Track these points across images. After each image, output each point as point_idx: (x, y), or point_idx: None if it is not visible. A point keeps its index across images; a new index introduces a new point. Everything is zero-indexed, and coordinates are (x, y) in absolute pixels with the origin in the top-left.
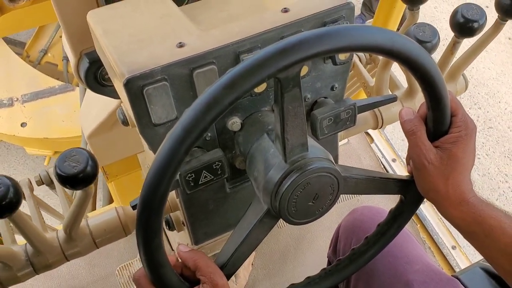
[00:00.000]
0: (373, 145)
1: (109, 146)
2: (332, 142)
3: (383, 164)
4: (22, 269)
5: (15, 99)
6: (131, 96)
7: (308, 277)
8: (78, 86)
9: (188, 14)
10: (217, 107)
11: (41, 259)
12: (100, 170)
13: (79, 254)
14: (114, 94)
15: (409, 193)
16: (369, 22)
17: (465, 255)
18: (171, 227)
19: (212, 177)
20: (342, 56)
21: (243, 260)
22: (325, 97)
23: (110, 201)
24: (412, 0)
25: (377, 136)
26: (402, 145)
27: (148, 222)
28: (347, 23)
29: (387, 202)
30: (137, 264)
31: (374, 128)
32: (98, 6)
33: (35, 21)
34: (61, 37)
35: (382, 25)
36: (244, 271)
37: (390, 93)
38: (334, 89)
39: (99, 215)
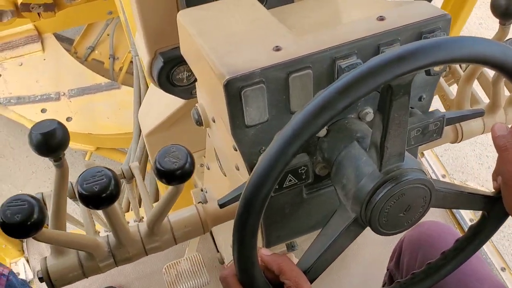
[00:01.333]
0: (423, 159)
1: (165, 144)
2: (412, 153)
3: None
4: (104, 260)
5: (62, 93)
6: (229, 97)
7: None
8: (123, 85)
9: (277, 18)
10: (329, 111)
11: (122, 252)
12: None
13: (159, 249)
14: (183, 94)
15: (494, 210)
16: None
17: None
18: None
19: (296, 181)
20: (437, 67)
21: (326, 266)
22: (411, 107)
23: (156, 198)
24: (504, 15)
25: (428, 151)
26: (452, 164)
27: (248, 222)
28: (444, 34)
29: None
30: (184, 263)
31: (453, 142)
32: (178, 7)
33: (86, 18)
34: (108, 35)
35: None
36: None
37: (470, 107)
38: (422, 100)
39: (178, 212)
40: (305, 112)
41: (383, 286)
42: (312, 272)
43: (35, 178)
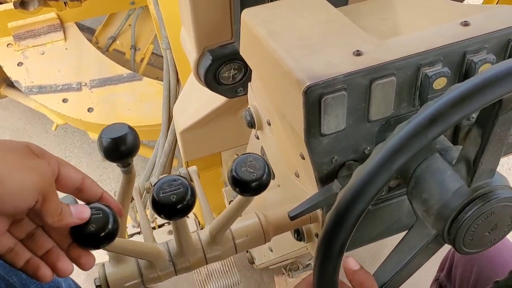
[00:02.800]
0: None
1: (198, 142)
2: None
3: None
4: (164, 268)
5: (84, 83)
6: (308, 105)
7: None
8: (144, 76)
9: (350, 19)
10: (442, 125)
11: (182, 260)
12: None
13: (219, 258)
14: (228, 93)
15: None
16: None
17: None
18: (300, 236)
19: None
20: None
21: (401, 283)
22: None
23: None
24: None
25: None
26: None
27: (337, 239)
28: None
29: None
30: (216, 264)
31: None
32: (231, 4)
33: (110, 8)
34: (130, 25)
35: None
36: None
37: None
38: None
39: (239, 220)
40: (415, 123)
41: None
42: None
43: None
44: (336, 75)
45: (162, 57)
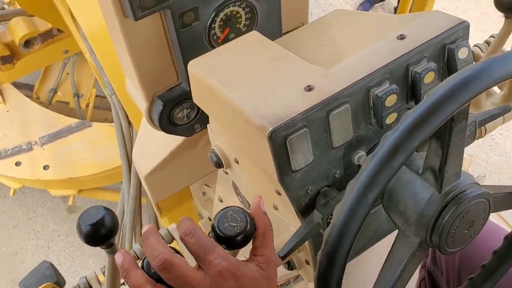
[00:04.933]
0: None
1: (165, 182)
2: None
3: None
4: None
5: (34, 142)
6: (275, 148)
7: None
8: (93, 121)
9: (290, 51)
10: (403, 153)
11: None
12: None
13: None
14: (185, 132)
15: None
16: (378, 6)
17: None
18: (291, 266)
19: None
20: None
21: None
22: None
23: None
24: (509, 9)
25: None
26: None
27: (332, 276)
28: (465, 42)
29: None
30: None
31: (478, 138)
32: (170, 48)
33: (44, 62)
34: (67, 74)
35: None
36: None
37: (486, 100)
38: None
39: None
40: (379, 157)
41: (420, 281)
42: None
43: (18, 231)
44: (294, 115)
45: (107, 97)
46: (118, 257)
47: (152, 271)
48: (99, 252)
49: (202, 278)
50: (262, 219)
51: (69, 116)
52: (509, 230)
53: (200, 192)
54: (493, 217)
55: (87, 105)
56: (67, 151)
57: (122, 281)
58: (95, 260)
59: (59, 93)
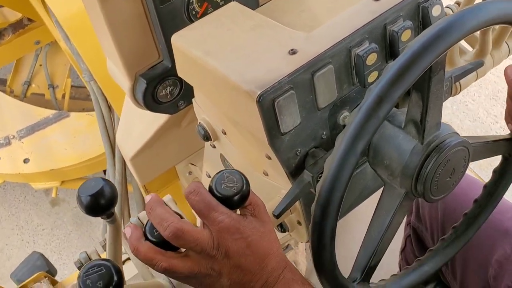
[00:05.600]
0: None
1: (150, 163)
2: None
3: None
4: None
5: (12, 136)
6: (264, 111)
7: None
8: (71, 111)
9: (271, 18)
10: (387, 104)
11: (185, 286)
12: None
13: None
14: (170, 110)
15: None
16: None
17: None
18: (284, 228)
19: None
20: None
21: (387, 245)
22: None
23: None
24: None
25: None
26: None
27: (326, 228)
28: (439, 0)
29: None
30: None
31: (454, 95)
32: (150, 25)
33: (15, 54)
34: (40, 65)
35: None
36: (302, 257)
37: (459, 58)
38: None
39: None
40: (365, 108)
41: (406, 238)
42: (377, 255)
43: (1, 228)
44: (281, 78)
45: (83, 87)
46: (127, 231)
47: (156, 233)
48: (86, 243)
49: (210, 236)
50: None
51: (45, 108)
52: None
53: (186, 171)
54: (471, 173)
55: (63, 96)
56: (47, 143)
57: (123, 250)
58: (82, 251)
59: (33, 85)
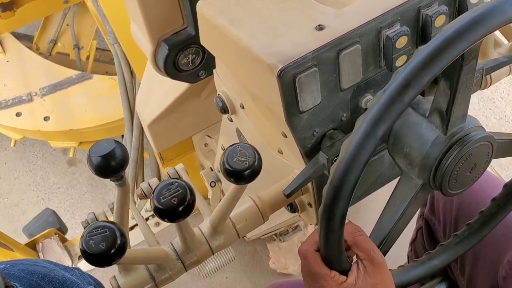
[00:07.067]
0: None
1: (168, 131)
2: None
3: None
4: (174, 268)
5: (34, 93)
6: (283, 86)
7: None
8: (94, 73)
9: None
10: (414, 89)
11: (190, 256)
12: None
13: (224, 245)
14: (190, 79)
15: None
16: None
17: None
18: (294, 209)
19: None
20: None
21: (398, 236)
22: None
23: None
24: None
25: None
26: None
27: (337, 211)
28: None
29: None
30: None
31: (483, 88)
32: None
33: (44, 11)
34: (67, 25)
35: None
36: None
37: (494, 50)
38: None
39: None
40: (390, 91)
41: (417, 230)
42: (386, 244)
43: (19, 183)
44: (305, 53)
45: (108, 51)
46: None
47: (163, 200)
48: (100, 205)
49: None
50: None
51: (69, 68)
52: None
53: (202, 143)
54: (490, 171)
55: (88, 58)
56: (68, 102)
57: (131, 215)
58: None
59: (59, 44)
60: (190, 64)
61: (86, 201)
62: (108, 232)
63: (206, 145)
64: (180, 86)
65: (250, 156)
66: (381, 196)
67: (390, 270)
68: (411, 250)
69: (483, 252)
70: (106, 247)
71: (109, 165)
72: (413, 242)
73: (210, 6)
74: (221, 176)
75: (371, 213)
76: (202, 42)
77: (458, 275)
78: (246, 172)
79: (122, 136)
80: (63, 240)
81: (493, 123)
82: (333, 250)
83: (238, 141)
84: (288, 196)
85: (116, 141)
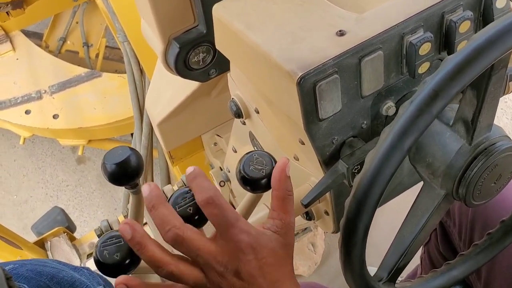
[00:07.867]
0: None
1: (177, 130)
2: None
3: None
4: None
5: (43, 91)
6: (303, 94)
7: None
8: (103, 71)
9: None
10: (443, 100)
11: None
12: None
13: None
14: (201, 77)
15: None
16: None
17: None
18: (310, 217)
19: None
20: None
21: (419, 247)
22: None
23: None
24: None
25: None
26: None
27: (361, 222)
28: None
29: None
30: None
31: (506, 94)
32: None
33: (54, 9)
34: (77, 23)
35: None
36: (320, 240)
37: None
38: None
39: (252, 214)
40: (418, 102)
41: (431, 232)
42: (407, 256)
43: (28, 180)
44: (325, 60)
45: (117, 49)
46: (145, 188)
47: (179, 209)
48: (109, 203)
49: (218, 250)
50: (284, 183)
51: (78, 65)
52: None
53: (212, 142)
54: None
55: (97, 56)
56: (77, 100)
57: (144, 221)
58: (104, 210)
59: (68, 42)
60: (201, 62)
61: (95, 199)
62: (122, 242)
63: (215, 144)
64: (191, 85)
65: (267, 164)
66: (393, 199)
67: (409, 280)
68: (424, 252)
69: (500, 256)
70: (121, 257)
71: (124, 172)
72: (427, 244)
73: (226, 10)
74: (230, 175)
75: (385, 218)
76: (217, 47)
77: (474, 279)
78: (263, 181)
79: (131, 134)
80: (72, 239)
81: (505, 123)
82: (355, 265)
83: (250, 144)
84: (306, 206)
85: (131, 148)
